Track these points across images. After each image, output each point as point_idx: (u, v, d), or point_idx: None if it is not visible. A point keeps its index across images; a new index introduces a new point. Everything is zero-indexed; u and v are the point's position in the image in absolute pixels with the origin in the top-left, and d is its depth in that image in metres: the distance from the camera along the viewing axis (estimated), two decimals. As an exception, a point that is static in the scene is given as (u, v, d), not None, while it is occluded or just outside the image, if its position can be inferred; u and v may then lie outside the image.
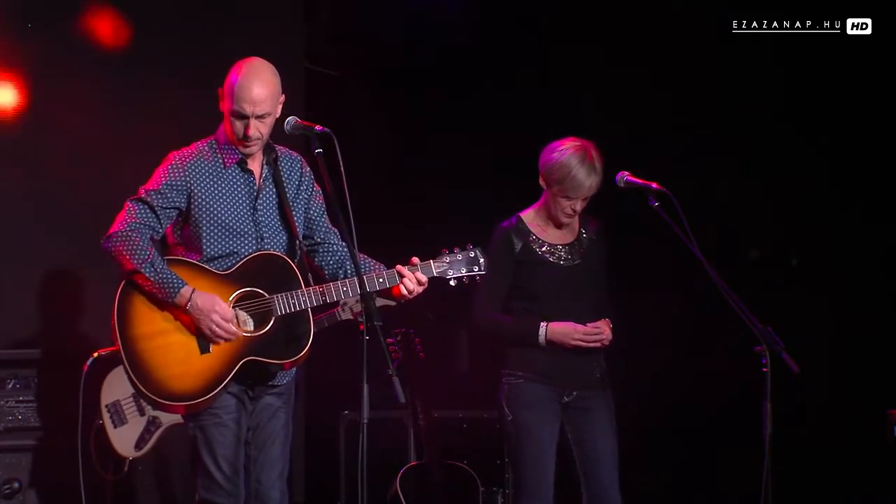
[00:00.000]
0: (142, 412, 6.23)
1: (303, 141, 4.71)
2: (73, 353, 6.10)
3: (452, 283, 4.77)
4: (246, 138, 4.62)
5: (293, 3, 7.51)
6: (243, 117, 4.60)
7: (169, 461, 6.46)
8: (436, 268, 4.75)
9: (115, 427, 6.23)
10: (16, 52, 6.55)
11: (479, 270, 4.78)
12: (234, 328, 4.55)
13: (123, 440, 6.25)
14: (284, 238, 4.77)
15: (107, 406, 6.22)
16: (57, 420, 6.18)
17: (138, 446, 6.27)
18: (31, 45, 6.57)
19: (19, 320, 6.50)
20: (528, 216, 5.42)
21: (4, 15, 6.52)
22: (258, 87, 4.58)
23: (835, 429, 6.67)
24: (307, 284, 4.66)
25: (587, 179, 5.25)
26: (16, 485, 6.16)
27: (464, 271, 4.77)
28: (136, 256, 4.53)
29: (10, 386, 6.23)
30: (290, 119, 4.62)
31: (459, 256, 4.77)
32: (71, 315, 6.62)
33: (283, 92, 4.71)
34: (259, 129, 4.62)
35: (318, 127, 4.55)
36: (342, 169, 4.39)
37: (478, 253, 4.79)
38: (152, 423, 6.27)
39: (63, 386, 6.08)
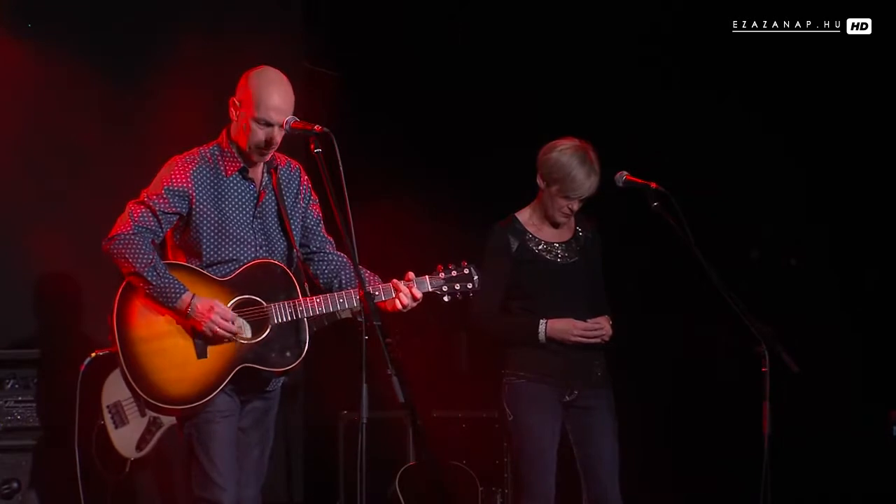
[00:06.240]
0: (143, 413, 6.23)
1: (302, 141, 4.71)
2: (73, 354, 6.10)
3: (446, 298, 4.83)
4: (268, 146, 4.66)
5: (293, 3, 7.51)
6: (269, 125, 4.63)
7: (170, 462, 6.46)
8: (430, 283, 4.79)
9: (117, 427, 6.23)
10: (16, 52, 6.55)
11: (473, 287, 4.83)
12: (234, 327, 4.57)
13: (125, 441, 6.25)
14: (283, 246, 4.80)
15: (108, 406, 6.21)
16: (56, 420, 6.18)
17: (139, 447, 6.27)
18: (31, 46, 6.57)
19: (18, 320, 6.50)
20: (524, 215, 5.42)
21: (5, 15, 6.53)
22: (284, 95, 4.65)
23: (835, 429, 6.67)
24: (305, 294, 4.69)
25: (587, 180, 5.25)
26: (14, 485, 6.16)
27: (457, 287, 4.82)
28: (139, 260, 4.55)
29: (9, 386, 6.23)
30: (290, 118, 4.62)
31: (454, 273, 4.82)
32: (70, 315, 6.62)
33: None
34: (277, 137, 4.66)
35: (317, 127, 4.55)
36: (342, 169, 4.39)
37: (472, 270, 4.84)
38: (153, 424, 6.27)
39: (62, 386, 6.08)
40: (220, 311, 4.56)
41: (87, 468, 6.14)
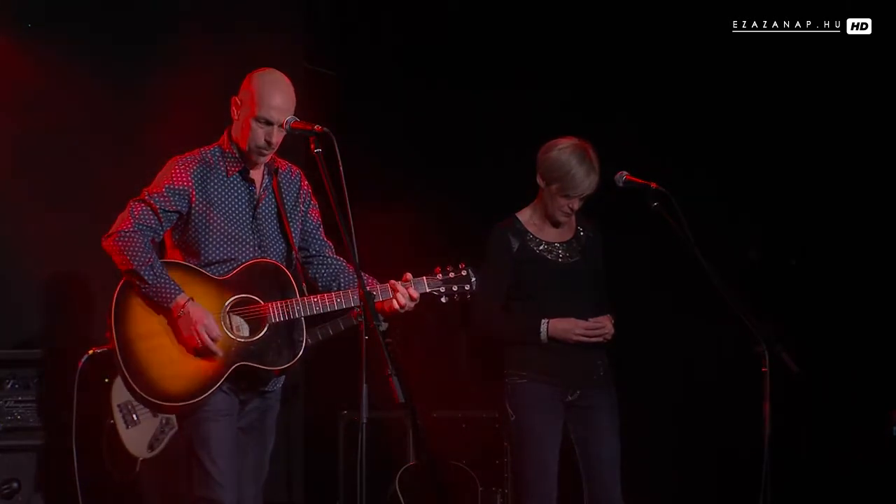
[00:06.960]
0: (155, 413, 6.20)
1: (302, 141, 4.72)
2: (73, 353, 6.08)
3: (443, 300, 4.84)
4: (268, 145, 4.68)
5: (293, 2, 7.51)
6: (269, 124, 4.66)
7: (179, 462, 6.44)
8: (428, 284, 4.81)
9: (128, 427, 6.21)
10: (16, 51, 6.55)
11: (471, 289, 4.85)
12: (213, 346, 4.57)
13: (136, 440, 6.22)
14: (282, 248, 4.83)
15: (119, 406, 6.20)
16: (56, 420, 6.17)
17: (151, 447, 6.24)
18: (32, 46, 6.57)
19: (18, 320, 6.49)
20: (525, 215, 5.42)
21: (5, 15, 6.53)
22: (286, 95, 4.69)
23: (835, 429, 6.67)
24: (302, 294, 4.71)
25: (586, 178, 5.25)
26: (15, 485, 6.15)
27: (455, 289, 4.83)
28: (137, 258, 4.57)
29: (9, 386, 6.22)
30: (290, 118, 4.64)
31: (452, 274, 4.84)
32: (70, 315, 6.61)
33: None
34: (277, 138, 4.68)
35: (317, 127, 4.55)
36: (342, 169, 4.39)
37: (469, 272, 4.86)
38: (166, 424, 6.25)
39: (62, 386, 6.06)
40: (207, 326, 4.57)
41: (95, 467, 6.13)
